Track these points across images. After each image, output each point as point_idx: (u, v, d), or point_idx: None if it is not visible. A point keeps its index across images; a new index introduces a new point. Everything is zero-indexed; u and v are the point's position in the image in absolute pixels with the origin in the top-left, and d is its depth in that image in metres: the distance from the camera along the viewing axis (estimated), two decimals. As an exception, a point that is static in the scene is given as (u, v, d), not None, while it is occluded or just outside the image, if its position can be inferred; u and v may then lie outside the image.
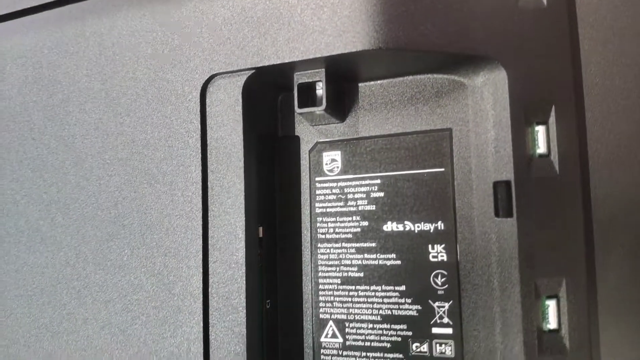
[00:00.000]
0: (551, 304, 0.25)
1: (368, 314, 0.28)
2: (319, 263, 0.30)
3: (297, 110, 0.27)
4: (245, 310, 0.27)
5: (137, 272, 0.30)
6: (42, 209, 0.33)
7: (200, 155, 0.29)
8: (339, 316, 0.29)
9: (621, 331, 0.26)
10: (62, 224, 0.32)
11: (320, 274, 0.29)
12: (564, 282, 0.25)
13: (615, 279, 0.26)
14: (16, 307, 0.33)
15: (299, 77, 0.28)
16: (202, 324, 0.28)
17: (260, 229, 0.30)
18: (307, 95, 0.28)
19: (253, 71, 0.28)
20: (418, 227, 0.27)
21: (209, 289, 0.28)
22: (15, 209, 0.34)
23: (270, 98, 0.31)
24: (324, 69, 0.27)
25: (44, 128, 0.33)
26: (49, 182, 0.33)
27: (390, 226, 0.28)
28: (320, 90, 0.27)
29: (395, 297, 0.28)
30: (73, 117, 0.32)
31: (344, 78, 0.29)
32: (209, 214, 0.28)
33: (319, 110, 0.27)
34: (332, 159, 0.30)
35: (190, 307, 0.28)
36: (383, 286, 0.28)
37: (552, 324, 0.25)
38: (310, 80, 0.27)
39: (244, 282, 0.28)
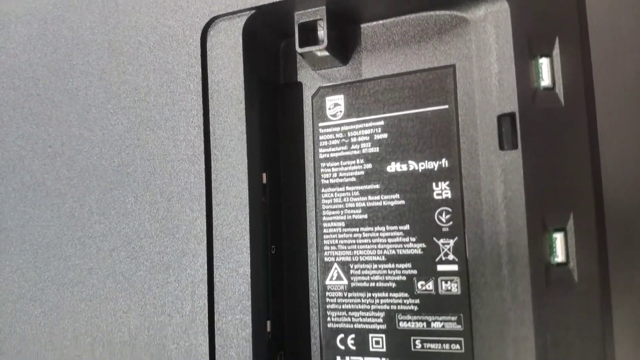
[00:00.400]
0: (558, 237, 0.25)
1: (372, 255, 0.28)
2: (323, 207, 0.29)
3: (298, 50, 0.27)
4: (249, 252, 0.27)
5: (141, 218, 0.30)
6: (47, 163, 0.33)
7: (201, 99, 0.28)
8: (343, 258, 0.29)
9: (631, 264, 0.25)
10: (66, 176, 0.32)
11: (324, 218, 0.29)
12: (571, 216, 0.25)
13: (624, 212, 0.26)
14: (22, 261, 0.33)
15: (300, 17, 0.27)
16: (206, 267, 0.28)
17: (264, 175, 0.30)
18: (309, 36, 0.28)
19: (253, 11, 0.27)
20: (422, 165, 0.27)
21: (213, 232, 0.28)
22: (21, 164, 0.34)
23: (272, 44, 0.31)
24: (324, 7, 0.27)
25: (49, 83, 0.33)
26: (53, 136, 0.33)
27: (394, 167, 0.28)
28: (322, 29, 0.27)
29: (399, 236, 0.28)
30: (77, 69, 0.32)
31: (346, 19, 0.29)
32: (211, 157, 0.28)
33: (320, 49, 0.27)
34: (335, 103, 0.30)
35: (194, 250, 0.28)
36: (387, 226, 0.28)
37: (560, 257, 0.25)
38: (311, 19, 0.27)
39: (248, 223, 0.28)
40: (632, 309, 0.25)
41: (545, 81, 0.25)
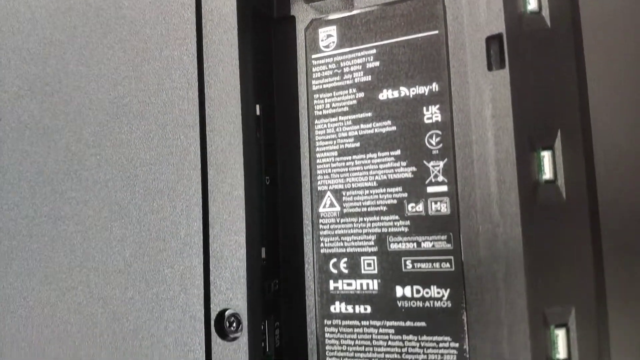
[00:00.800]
0: (546, 155, 0.25)
1: (364, 181, 0.29)
2: (316, 138, 0.30)
3: None
4: (243, 177, 0.28)
5: (136, 147, 0.30)
6: (44, 99, 0.33)
7: (195, 27, 0.29)
8: (336, 186, 0.29)
9: (619, 183, 0.26)
10: (63, 111, 0.32)
11: (317, 148, 0.30)
12: (558, 134, 0.25)
13: (610, 134, 0.26)
14: (18, 197, 0.34)
15: None
16: (200, 193, 0.28)
17: (258, 107, 0.30)
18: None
19: (248, -61, 0.28)
20: (413, 91, 0.28)
21: (207, 159, 0.29)
22: (17, 99, 0.34)
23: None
24: None
25: (44, 19, 0.33)
26: (48, 71, 0.33)
27: (385, 94, 0.28)
28: (314, -42, 0.28)
29: (390, 162, 0.28)
30: (74, 10, 0.33)
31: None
32: (205, 85, 0.29)
33: (313, -24, 0.27)
34: (328, 35, 0.30)
35: (189, 175, 0.29)
36: (379, 153, 0.28)
37: (547, 174, 0.25)
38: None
39: (242, 151, 0.28)
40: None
41: (532, 5, 0.26)
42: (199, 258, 0.28)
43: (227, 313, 0.28)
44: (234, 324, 0.27)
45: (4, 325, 0.33)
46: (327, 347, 0.29)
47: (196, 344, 0.28)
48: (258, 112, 0.30)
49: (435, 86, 0.27)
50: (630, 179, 0.27)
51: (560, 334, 0.25)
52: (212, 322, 0.28)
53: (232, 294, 0.27)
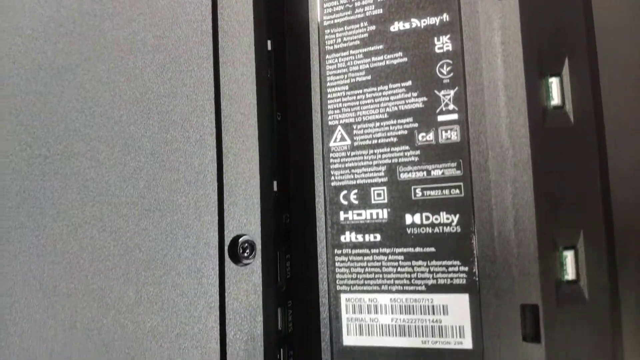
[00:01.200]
0: (554, 81, 0.26)
1: (375, 114, 0.29)
2: (327, 73, 0.30)
3: None
4: (256, 112, 0.28)
5: (150, 81, 0.30)
6: (59, 40, 0.33)
7: None
8: (346, 120, 0.30)
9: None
10: (77, 49, 0.33)
11: (328, 83, 0.30)
12: (566, 60, 0.26)
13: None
14: (32, 136, 0.34)
15: None
16: (214, 124, 0.29)
17: (269, 42, 0.31)
18: None
19: None
20: (424, 22, 0.28)
21: (220, 90, 0.29)
22: (33, 44, 0.34)
23: None
24: None
25: None
26: (65, 14, 0.33)
27: (397, 26, 0.29)
28: None
29: (401, 93, 0.29)
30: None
31: None
32: (218, 18, 0.29)
33: None
34: (339, -30, 0.30)
35: (202, 107, 0.29)
36: (390, 85, 0.29)
37: (555, 99, 0.26)
38: None
39: (254, 84, 0.28)
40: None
41: None
42: (213, 186, 0.28)
43: (240, 240, 0.28)
44: (248, 250, 0.28)
45: (17, 262, 0.34)
46: (337, 276, 0.29)
47: (210, 270, 0.28)
48: (270, 47, 0.31)
49: (445, 16, 0.28)
50: (637, 104, 0.27)
51: (569, 256, 0.25)
52: (226, 248, 0.28)
53: (246, 220, 0.28)
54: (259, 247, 0.28)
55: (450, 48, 0.28)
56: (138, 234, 0.30)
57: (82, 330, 0.31)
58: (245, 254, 0.28)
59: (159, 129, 0.30)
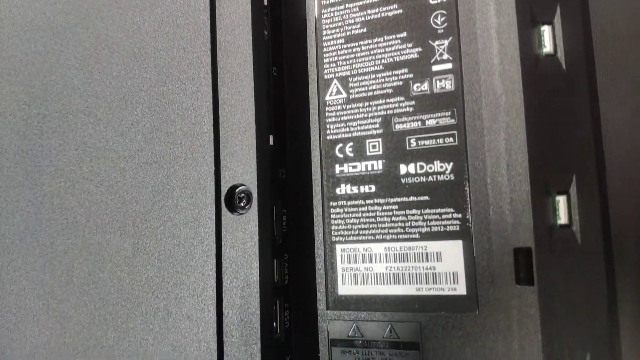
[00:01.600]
0: (547, 29, 0.26)
1: (371, 66, 0.29)
2: (323, 27, 0.31)
3: None
4: (252, 68, 0.29)
5: (147, 34, 0.31)
6: (57, 1, 0.34)
7: None
8: (342, 74, 0.30)
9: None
10: (74, 9, 0.33)
11: (324, 37, 0.31)
12: (558, 8, 0.26)
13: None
14: (29, 95, 0.34)
15: None
16: (210, 75, 0.29)
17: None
18: None
19: None
20: (419, -27, 0.28)
21: (217, 42, 0.29)
22: (32, 4, 0.34)
23: None
24: None
25: None
26: None
27: (392, -22, 0.29)
28: None
29: (396, 44, 0.29)
30: None
31: None
32: None
33: None
34: None
35: (199, 58, 0.29)
36: (385, 37, 0.29)
37: (547, 47, 0.26)
38: None
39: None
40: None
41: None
42: (209, 137, 0.29)
43: (237, 190, 0.28)
44: (244, 200, 0.28)
45: (14, 219, 0.34)
46: (333, 227, 0.29)
47: (207, 219, 0.28)
48: (266, 2, 0.31)
49: (441, -33, 0.28)
50: (628, 51, 0.27)
51: (561, 200, 0.26)
52: (223, 198, 0.28)
53: (242, 170, 0.28)
54: (255, 197, 0.28)
55: (444, -2, 0.28)
56: (135, 187, 0.31)
57: (79, 285, 0.31)
58: (242, 204, 0.28)
59: (156, 82, 0.30)
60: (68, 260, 0.32)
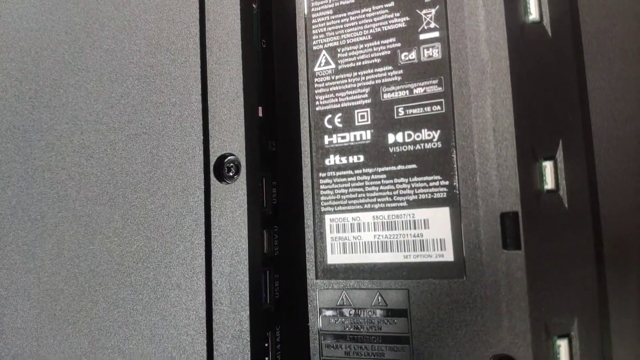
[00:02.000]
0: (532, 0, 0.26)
1: (359, 36, 0.29)
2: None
3: None
4: (240, 31, 0.29)
5: (137, 6, 0.31)
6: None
7: None
8: (331, 44, 0.30)
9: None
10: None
11: (313, 8, 0.31)
12: None
13: None
14: (23, 70, 0.34)
15: None
16: (199, 46, 0.29)
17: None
18: None
19: None
20: (406, -57, 0.29)
21: (205, 14, 0.29)
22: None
23: None
24: None
25: None
26: None
27: (379, -51, 0.29)
28: None
29: (384, 14, 0.29)
30: None
31: None
32: None
33: None
34: None
35: (187, 29, 0.29)
36: (373, 7, 0.29)
37: (533, 14, 0.26)
38: None
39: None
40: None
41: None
42: (197, 106, 0.29)
43: (226, 160, 0.28)
44: (233, 170, 0.28)
45: (4, 193, 0.34)
46: (322, 198, 0.30)
47: (195, 189, 0.29)
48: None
49: (428, -64, 0.28)
50: (614, 17, 0.27)
51: (548, 166, 0.26)
52: (212, 167, 0.28)
53: (231, 139, 0.28)
54: (243, 166, 0.28)
55: (431, -33, 0.28)
56: (125, 158, 0.31)
57: (69, 258, 0.31)
58: (230, 174, 0.28)
59: (145, 54, 0.30)
60: (58, 233, 0.32)
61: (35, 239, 0.32)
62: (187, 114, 0.29)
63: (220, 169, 0.29)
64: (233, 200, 0.28)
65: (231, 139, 0.28)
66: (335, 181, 0.29)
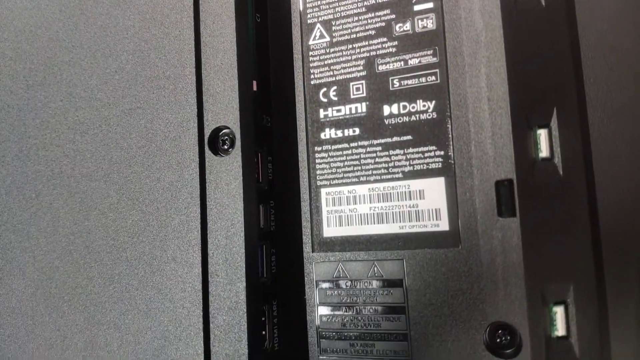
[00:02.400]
0: None
1: (353, 8, 0.29)
2: (306, -26, 0.31)
3: None
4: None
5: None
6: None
7: None
8: (325, 17, 0.30)
9: None
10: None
11: (307, -17, 0.31)
12: None
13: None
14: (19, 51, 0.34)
15: None
16: (192, 20, 0.29)
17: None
18: None
19: None
20: None
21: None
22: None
23: None
24: None
25: None
26: None
27: None
28: None
29: (379, -14, 0.29)
30: None
31: None
32: None
33: None
34: None
35: (181, 5, 0.29)
36: (367, -21, 0.29)
37: (527, -17, 0.26)
38: None
39: None
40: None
41: None
42: (191, 79, 0.29)
43: (221, 133, 0.28)
44: (227, 143, 0.28)
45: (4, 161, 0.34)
46: (318, 172, 0.30)
47: (190, 162, 0.28)
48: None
49: None
50: None
51: (542, 134, 0.26)
52: (206, 140, 0.28)
53: (225, 111, 0.28)
54: (238, 139, 0.28)
55: (426, -63, 0.28)
56: (119, 133, 0.31)
57: (65, 235, 0.31)
58: (225, 147, 0.28)
59: (139, 28, 0.30)
60: (54, 211, 0.32)
61: (30, 216, 0.32)
62: (181, 88, 0.29)
63: (215, 142, 0.28)
64: (228, 173, 0.28)
65: (225, 111, 0.28)
66: (330, 155, 0.29)
